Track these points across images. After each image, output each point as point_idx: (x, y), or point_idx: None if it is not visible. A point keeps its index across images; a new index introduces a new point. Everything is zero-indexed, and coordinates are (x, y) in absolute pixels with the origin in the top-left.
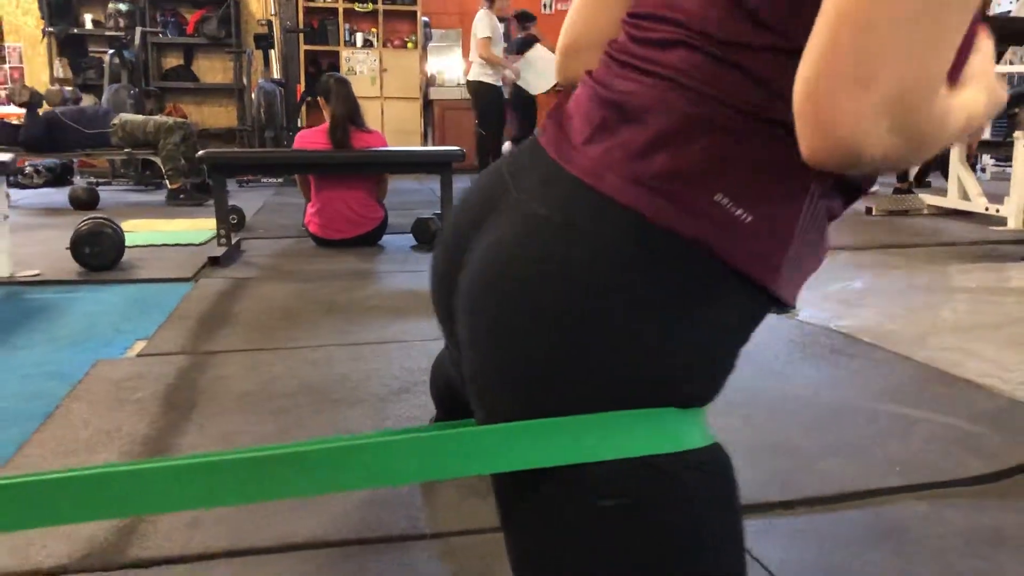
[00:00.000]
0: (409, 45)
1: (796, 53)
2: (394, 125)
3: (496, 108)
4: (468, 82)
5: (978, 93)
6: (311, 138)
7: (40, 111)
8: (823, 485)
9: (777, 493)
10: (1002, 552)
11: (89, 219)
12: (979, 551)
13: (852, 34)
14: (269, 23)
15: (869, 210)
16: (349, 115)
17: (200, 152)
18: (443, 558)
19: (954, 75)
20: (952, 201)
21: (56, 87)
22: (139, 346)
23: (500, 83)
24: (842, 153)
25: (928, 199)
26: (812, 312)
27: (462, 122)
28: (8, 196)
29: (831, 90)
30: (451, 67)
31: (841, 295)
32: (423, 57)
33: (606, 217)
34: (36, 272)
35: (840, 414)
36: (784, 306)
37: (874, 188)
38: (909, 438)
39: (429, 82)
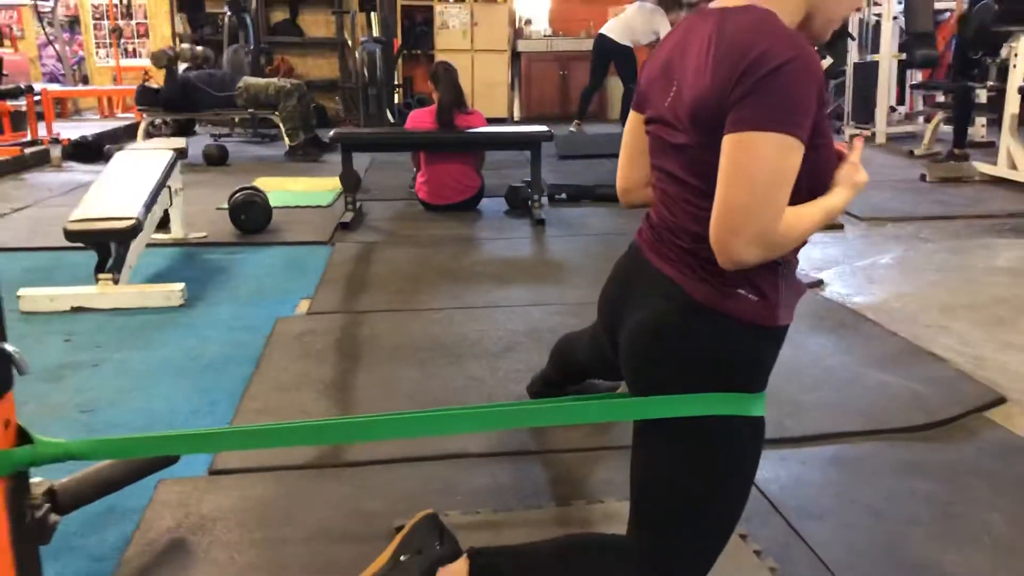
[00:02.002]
0: (499, 0)
1: None
2: (484, 76)
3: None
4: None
5: (841, 192)
6: (421, 119)
7: (177, 74)
8: (806, 428)
9: (772, 433)
10: (915, 476)
11: (242, 190)
12: (898, 474)
13: (725, 210)
14: None
15: (923, 177)
16: (454, 100)
17: (332, 132)
18: (546, 467)
19: (820, 191)
20: (1001, 170)
21: (187, 46)
22: (304, 305)
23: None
24: (737, 266)
25: (980, 167)
26: (836, 288)
27: (547, 73)
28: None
29: (720, 238)
30: (537, 19)
31: (867, 271)
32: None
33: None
34: (204, 234)
35: (831, 376)
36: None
37: (934, 149)
38: (877, 396)
39: (517, 35)
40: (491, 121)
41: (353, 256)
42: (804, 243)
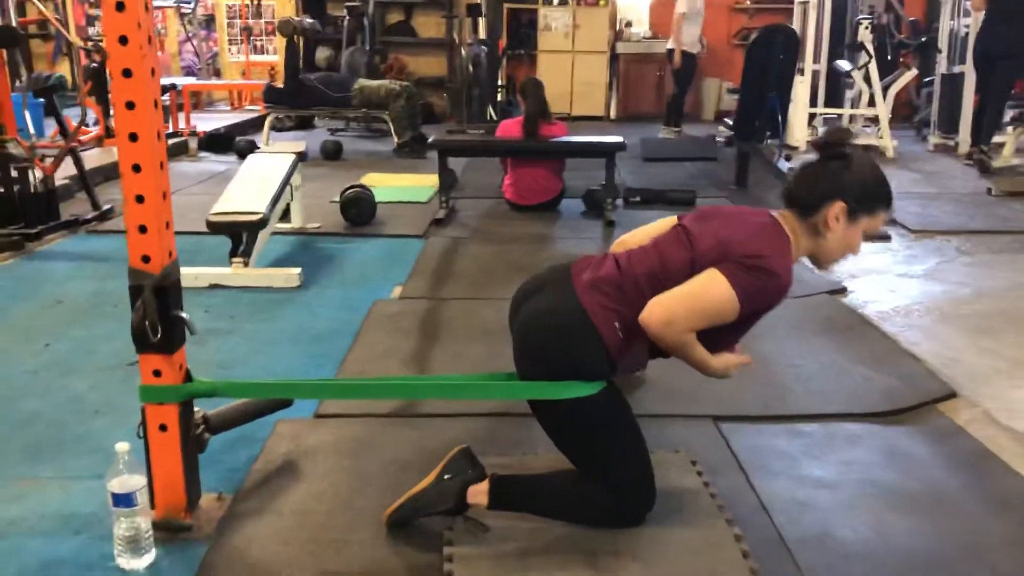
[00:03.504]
0: (601, 3)
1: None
2: (583, 76)
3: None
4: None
5: (719, 362)
6: (509, 128)
7: (299, 77)
8: (788, 409)
9: (757, 411)
10: (859, 449)
11: (352, 188)
12: (847, 447)
13: (670, 299)
14: None
15: (989, 190)
16: (539, 111)
17: (431, 139)
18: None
19: (714, 350)
20: None
21: (310, 21)
22: (398, 290)
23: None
24: (645, 323)
25: None
26: (858, 295)
27: (644, 74)
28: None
29: (655, 308)
30: (637, 22)
31: (894, 281)
32: (613, 14)
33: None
34: (318, 225)
35: (823, 369)
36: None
37: (1013, 162)
38: (858, 387)
39: (617, 36)
40: (588, 120)
41: (442, 249)
42: (661, 355)
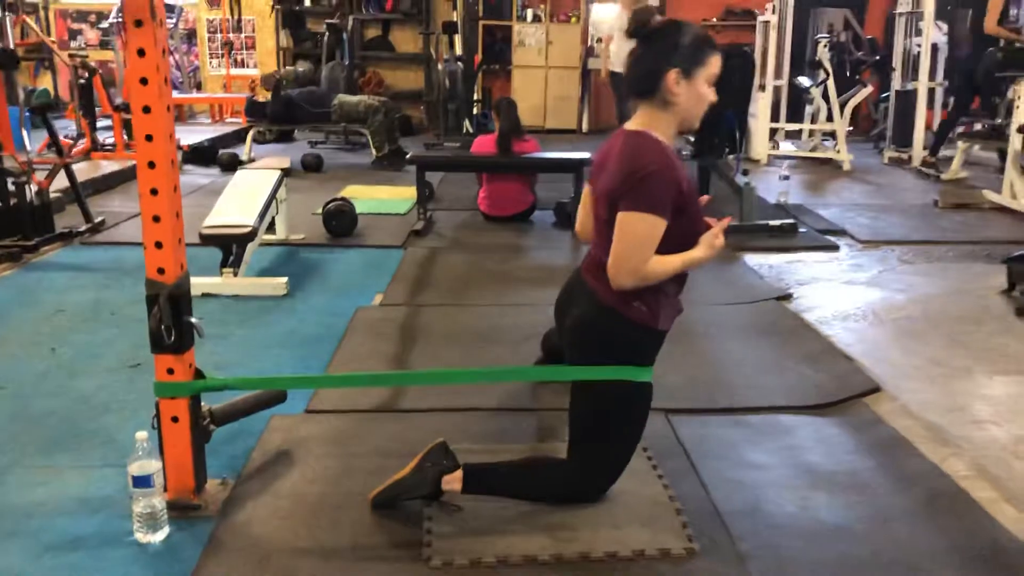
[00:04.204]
0: (573, 20)
1: None
2: (556, 91)
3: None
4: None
5: (701, 249)
6: (484, 143)
7: (282, 93)
8: (731, 402)
9: (703, 404)
10: (789, 437)
11: (333, 200)
12: (779, 435)
13: (614, 256)
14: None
15: (936, 202)
16: (512, 129)
17: (408, 154)
18: (533, 419)
19: (689, 246)
20: (1005, 199)
21: (291, 68)
22: (379, 298)
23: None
24: (619, 288)
25: (988, 195)
26: (802, 301)
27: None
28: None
29: (610, 271)
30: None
31: (838, 289)
32: (584, 31)
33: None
34: (302, 236)
35: (764, 367)
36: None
37: (961, 175)
38: (795, 383)
39: (588, 52)
40: (561, 132)
41: (420, 259)
42: (685, 276)
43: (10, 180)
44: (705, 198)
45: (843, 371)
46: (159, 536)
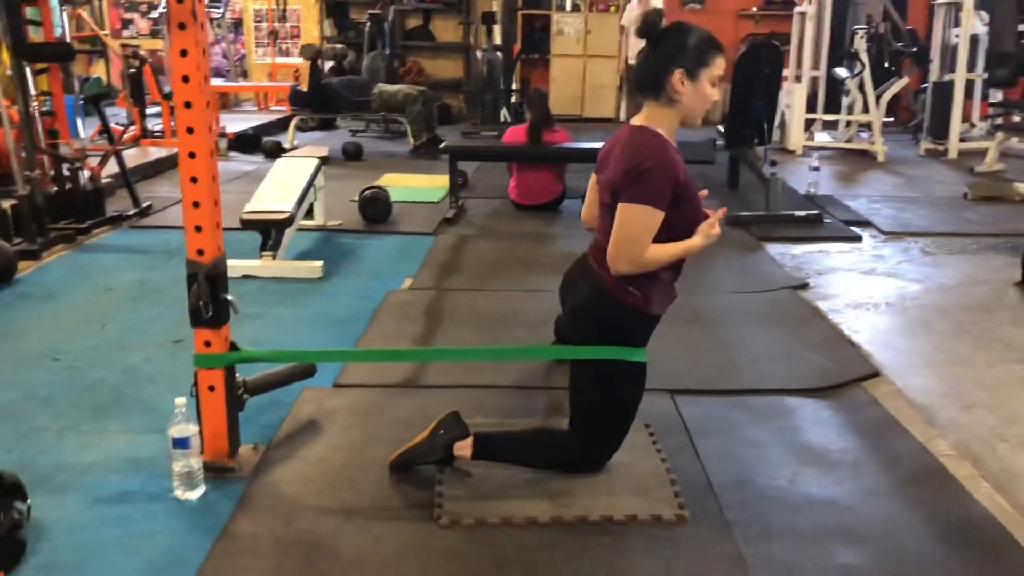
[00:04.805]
0: (612, 9)
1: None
2: (594, 80)
3: None
4: None
5: (698, 238)
6: (515, 134)
7: (321, 80)
8: (734, 384)
9: (705, 386)
10: (788, 418)
11: (369, 188)
12: (778, 416)
13: (613, 243)
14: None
15: (965, 195)
16: (543, 120)
17: (442, 143)
18: (543, 396)
19: (687, 235)
20: None
21: (330, 46)
22: (408, 282)
23: None
24: (617, 274)
25: (1020, 187)
26: (817, 290)
27: None
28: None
29: (609, 257)
30: None
31: (855, 279)
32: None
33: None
34: (339, 222)
35: (771, 352)
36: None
37: (996, 167)
38: (799, 368)
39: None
40: (599, 121)
41: (450, 245)
42: (681, 264)
43: (65, 166)
44: (703, 192)
45: (846, 357)
46: (196, 493)
